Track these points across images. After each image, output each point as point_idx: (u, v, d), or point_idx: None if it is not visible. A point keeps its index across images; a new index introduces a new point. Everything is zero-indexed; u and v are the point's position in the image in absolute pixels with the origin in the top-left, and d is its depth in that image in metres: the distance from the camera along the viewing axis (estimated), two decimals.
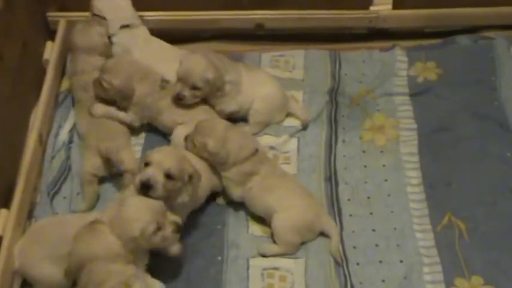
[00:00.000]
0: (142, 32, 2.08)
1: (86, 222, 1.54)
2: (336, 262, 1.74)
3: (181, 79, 1.90)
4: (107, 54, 2.04)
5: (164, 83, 1.95)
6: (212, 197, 1.85)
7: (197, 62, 1.90)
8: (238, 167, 1.76)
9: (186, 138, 1.79)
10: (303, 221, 1.76)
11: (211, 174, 1.80)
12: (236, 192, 1.81)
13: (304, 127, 2.06)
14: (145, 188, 1.56)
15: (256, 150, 1.79)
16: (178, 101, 1.91)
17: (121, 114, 1.94)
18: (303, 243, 1.78)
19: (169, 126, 1.94)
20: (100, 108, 1.93)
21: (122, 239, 1.51)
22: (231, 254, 1.76)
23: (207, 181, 1.76)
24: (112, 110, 1.93)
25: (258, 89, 2.00)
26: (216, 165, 1.79)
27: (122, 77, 1.89)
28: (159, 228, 1.53)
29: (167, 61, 2.01)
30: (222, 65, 1.94)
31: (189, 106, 1.93)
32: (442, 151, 2.00)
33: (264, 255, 1.76)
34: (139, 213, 1.52)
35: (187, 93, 1.90)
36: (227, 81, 1.94)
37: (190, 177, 1.64)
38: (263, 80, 2.03)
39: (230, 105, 1.99)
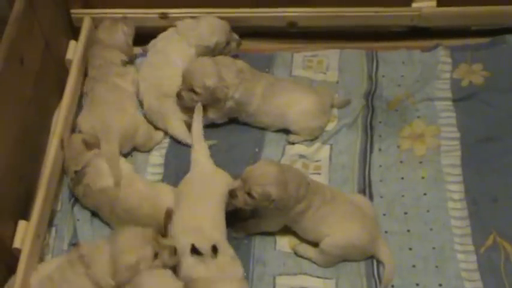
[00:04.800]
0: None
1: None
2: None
3: (182, 79, 1.88)
4: (129, 53, 2.03)
5: None
6: None
7: (202, 66, 1.86)
8: (297, 207, 1.64)
9: (232, 194, 1.62)
10: (354, 245, 1.66)
11: None
12: (276, 227, 1.72)
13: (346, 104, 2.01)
14: None
15: (308, 184, 1.66)
16: (178, 99, 1.89)
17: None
18: None
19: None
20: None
21: (117, 269, 1.48)
22: (256, 271, 1.67)
23: None
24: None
25: (292, 107, 1.91)
26: (269, 212, 1.65)
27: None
28: (155, 254, 1.50)
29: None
30: (233, 79, 1.88)
31: None
32: (488, 163, 1.86)
33: (295, 252, 1.69)
34: (133, 241, 1.50)
35: (185, 94, 1.85)
36: (231, 97, 1.88)
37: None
38: (295, 96, 1.93)
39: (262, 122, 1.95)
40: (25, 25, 1.79)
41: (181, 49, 2.00)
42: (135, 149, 1.94)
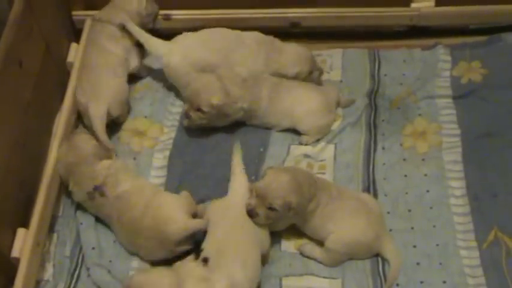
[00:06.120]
0: None
1: None
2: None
3: (188, 99, 1.87)
4: (135, 21, 2.00)
5: None
6: None
7: (206, 84, 1.86)
8: (309, 206, 1.64)
9: (252, 213, 1.60)
10: (359, 241, 1.67)
11: None
12: (284, 227, 1.73)
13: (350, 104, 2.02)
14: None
15: (315, 182, 1.68)
16: (186, 119, 1.90)
17: None
18: None
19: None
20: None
21: None
22: (262, 272, 1.67)
23: None
24: None
25: (298, 106, 1.93)
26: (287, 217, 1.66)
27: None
28: None
29: None
30: (240, 92, 1.87)
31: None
32: (487, 159, 1.88)
33: (301, 253, 1.71)
34: None
35: (193, 114, 1.86)
36: (240, 108, 1.89)
37: None
38: (301, 95, 1.94)
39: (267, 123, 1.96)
40: (24, 27, 1.77)
41: (254, 65, 1.97)
42: (136, 152, 1.93)
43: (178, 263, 1.59)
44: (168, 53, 1.96)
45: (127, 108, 1.99)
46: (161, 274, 1.53)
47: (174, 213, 1.65)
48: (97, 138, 1.82)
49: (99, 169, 1.71)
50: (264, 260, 1.65)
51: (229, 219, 1.63)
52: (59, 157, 1.77)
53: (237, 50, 1.97)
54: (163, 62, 1.97)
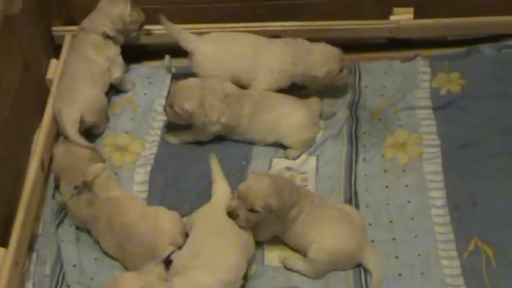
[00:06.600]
0: None
1: None
2: None
3: (170, 95, 1.98)
4: (117, 27, 2.01)
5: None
6: None
7: (186, 87, 1.90)
8: (291, 213, 1.66)
9: (233, 215, 1.63)
10: (342, 251, 1.68)
11: None
12: (268, 235, 1.73)
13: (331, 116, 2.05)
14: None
15: (298, 189, 1.70)
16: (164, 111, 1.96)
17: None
18: None
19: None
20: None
21: None
22: (246, 286, 1.67)
23: None
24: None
25: (282, 121, 1.95)
26: (268, 222, 1.66)
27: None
28: None
29: None
30: (219, 106, 1.90)
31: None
32: (467, 169, 1.91)
33: (285, 266, 1.71)
34: None
35: (168, 110, 1.91)
36: (217, 122, 1.91)
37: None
38: (284, 110, 1.96)
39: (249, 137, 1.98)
40: (2, 45, 1.76)
41: (283, 64, 1.99)
42: (118, 166, 1.93)
43: (145, 267, 1.60)
44: (201, 44, 2.01)
45: (104, 118, 2.00)
46: (129, 277, 1.55)
47: (173, 231, 1.68)
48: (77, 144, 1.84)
49: (91, 169, 1.74)
50: (249, 261, 1.65)
51: (210, 222, 1.65)
52: (54, 157, 1.81)
53: (267, 47, 2.01)
54: (196, 52, 2.01)
